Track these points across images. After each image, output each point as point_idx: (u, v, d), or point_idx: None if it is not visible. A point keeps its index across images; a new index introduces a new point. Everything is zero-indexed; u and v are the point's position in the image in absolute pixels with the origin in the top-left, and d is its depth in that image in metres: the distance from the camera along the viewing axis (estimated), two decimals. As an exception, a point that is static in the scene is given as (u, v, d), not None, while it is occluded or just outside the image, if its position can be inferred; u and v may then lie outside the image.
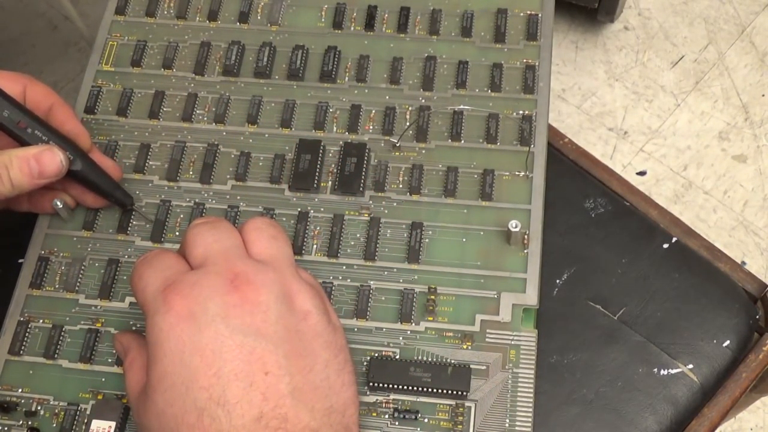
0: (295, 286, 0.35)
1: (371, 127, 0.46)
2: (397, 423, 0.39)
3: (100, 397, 0.41)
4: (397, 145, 0.45)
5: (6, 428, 0.40)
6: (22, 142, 0.41)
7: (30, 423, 0.40)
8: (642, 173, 1.05)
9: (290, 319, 0.34)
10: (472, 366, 0.39)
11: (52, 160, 0.40)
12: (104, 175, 0.43)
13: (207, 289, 0.33)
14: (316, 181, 0.44)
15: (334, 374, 0.34)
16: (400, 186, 0.44)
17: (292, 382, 0.32)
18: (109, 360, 0.41)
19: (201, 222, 0.37)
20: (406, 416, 0.39)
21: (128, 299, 0.43)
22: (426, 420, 0.39)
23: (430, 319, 0.41)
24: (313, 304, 0.35)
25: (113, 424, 0.39)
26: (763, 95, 1.09)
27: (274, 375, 0.32)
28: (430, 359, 0.40)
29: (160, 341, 0.33)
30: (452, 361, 0.40)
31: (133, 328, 0.42)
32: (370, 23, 0.49)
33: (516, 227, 0.41)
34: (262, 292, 0.33)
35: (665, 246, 0.48)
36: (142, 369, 0.35)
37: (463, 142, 0.45)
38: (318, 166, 0.45)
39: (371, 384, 0.39)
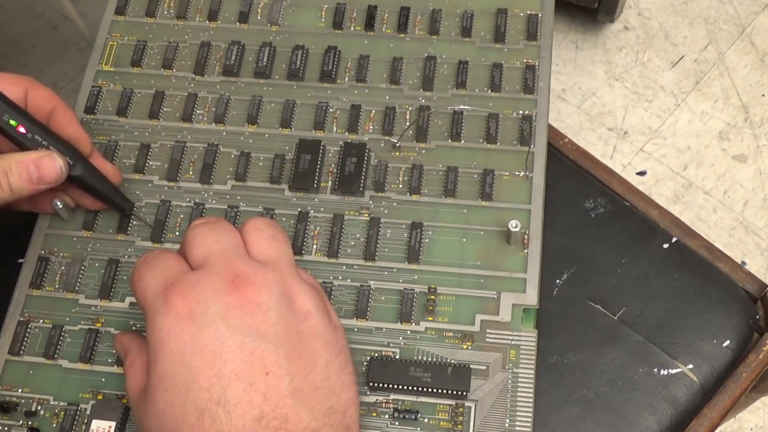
0: (295, 286, 0.35)
1: (371, 127, 0.46)
2: (397, 423, 0.39)
3: (100, 397, 0.41)
4: (397, 145, 0.45)
5: (6, 428, 0.40)
6: (23, 147, 0.41)
7: (30, 423, 0.40)
8: (642, 173, 1.05)
9: (291, 320, 0.34)
10: (472, 366, 0.39)
11: (51, 165, 0.40)
12: (104, 180, 0.43)
13: (207, 289, 0.33)
14: (316, 181, 0.44)
15: (335, 375, 0.34)
16: (400, 186, 0.44)
17: (292, 382, 0.32)
18: (109, 360, 0.41)
19: (201, 222, 0.37)
20: (406, 416, 0.39)
21: (128, 299, 0.43)
22: (426, 420, 0.39)
23: (430, 319, 0.41)
24: (314, 304, 0.35)
25: (113, 424, 0.39)
26: (763, 95, 1.09)
27: (274, 375, 0.32)
28: (430, 359, 0.40)
29: (161, 341, 0.33)
30: (452, 361, 0.40)
31: (133, 328, 0.42)
32: (370, 23, 0.49)
33: (516, 227, 0.41)
34: (263, 293, 0.33)
35: (665, 246, 0.48)
36: (142, 369, 0.35)
37: (463, 142, 0.45)
38: (318, 166, 0.45)
39: (371, 384, 0.39)
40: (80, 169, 0.42)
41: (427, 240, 0.43)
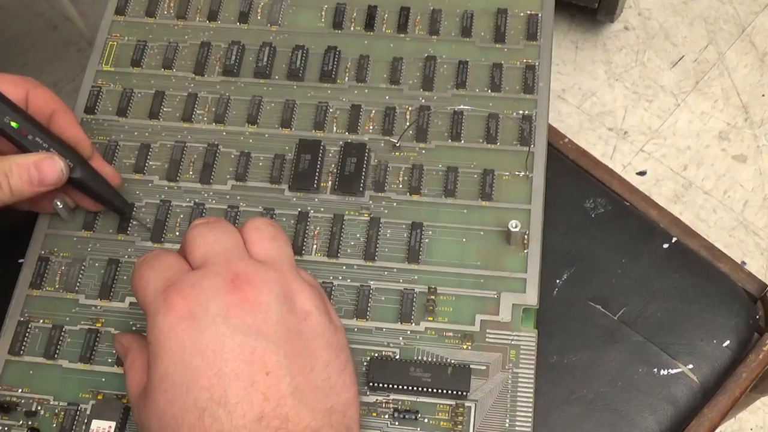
0: (295, 286, 0.35)
1: (371, 127, 0.46)
2: (397, 423, 0.39)
3: (100, 397, 0.41)
4: (397, 145, 0.45)
5: (6, 428, 0.40)
6: (23, 149, 0.41)
7: (30, 423, 0.40)
8: (642, 173, 1.05)
9: (291, 319, 0.34)
10: (472, 366, 0.39)
11: (52, 168, 0.40)
12: (104, 183, 0.43)
13: (208, 289, 0.33)
14: (316, 181, 0.44)
15: (336, 374, 0.34)
16: (400, 186, 0.44)
17: (293, 382, 0.32)
18: (109, 360, 0.41)
19: (201, 222, 0.37)
20: (406, 416, 0.39)
21: (128, 299, 0.43)
22: (426, 420, 0.39)
23: (430, 319, 0.41)
24: (314, 304, 0.35)
25: (113, 424, 0.39)
26: (763, 95, 1.09)
27: (275, 375, 0.32)
28: (430, 359, 0.40)
29: (161, 341, 0.33)
30: (452, 361, 0.40)
31: (133, 328, 0.42)
32: (370, 23, 0.49)
33: (516, 227, 0.41)
34: (263, 292, 0.33)
35: (665, 246, 0.48)
36: (142, 369, 0.35)
37: (463, 142, 0.45)
38: (318, 166, 0.45)
39: (371, 384, 0.39)
40: (80, 172, 0.42)
41: (427, 240, 0.43)
